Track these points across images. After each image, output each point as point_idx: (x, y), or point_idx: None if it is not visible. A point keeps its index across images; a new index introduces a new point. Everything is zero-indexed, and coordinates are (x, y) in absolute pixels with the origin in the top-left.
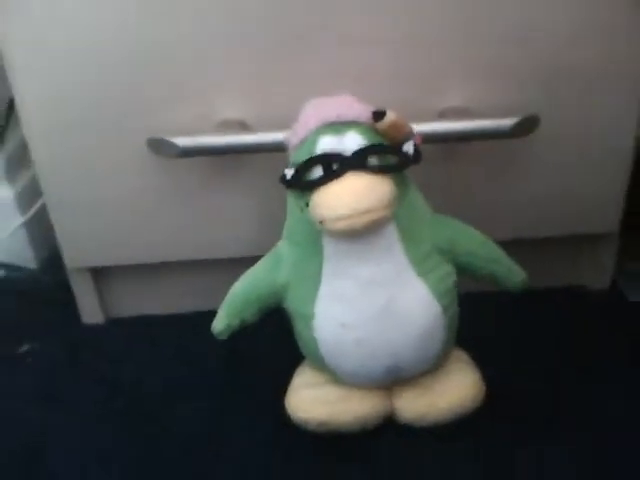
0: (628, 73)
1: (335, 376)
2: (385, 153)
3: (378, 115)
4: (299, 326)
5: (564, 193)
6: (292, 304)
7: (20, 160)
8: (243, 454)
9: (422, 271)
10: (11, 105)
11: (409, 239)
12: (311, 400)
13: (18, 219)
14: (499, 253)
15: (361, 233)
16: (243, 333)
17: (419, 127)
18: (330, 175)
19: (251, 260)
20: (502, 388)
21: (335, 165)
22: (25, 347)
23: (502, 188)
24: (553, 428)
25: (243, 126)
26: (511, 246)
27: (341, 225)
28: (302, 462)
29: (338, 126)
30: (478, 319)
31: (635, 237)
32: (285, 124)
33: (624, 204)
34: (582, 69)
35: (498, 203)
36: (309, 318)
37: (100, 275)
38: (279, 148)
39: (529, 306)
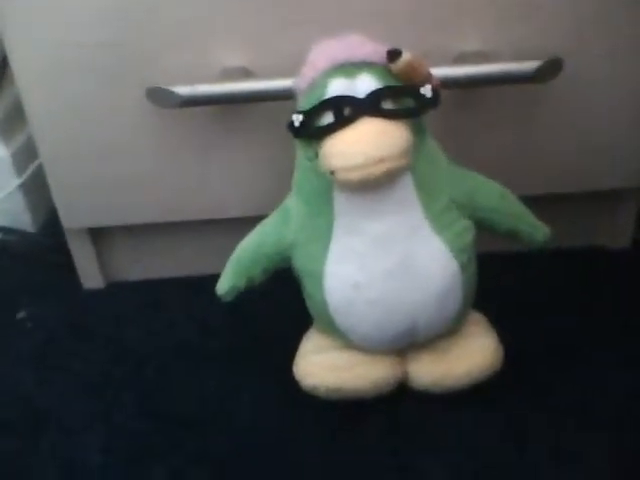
0: None
1: (346, 340)
2: (401, 96)
3: (393, 55)
4: (308, 286)
5: (586, 144)
6: (301, 263)
7: (15, 119)
8: (250, 419)
9: (439, 226)
10: (4, 62)
11: (426, 192)
12: (319, 366)
13: (14, 180)
14: (520, 207)
15: (375, 185)
16: (251, 296)
17: (435, 72)
18: (341, 121)
19: (257, 220)
20: (520, 352)
21: (347, 110)
22: (23, 313)
23: (521, 138)
24: (571, 393)
25: (246, 73)
26: (527, 204)
27: (354, 175)
28: (311, 427)
29: (349, 68)
30: (496, 281)
31: None
32: (291, 70)
33: None
34: (608, 9)
35: (517, 154)
36: (319, 278)
37: (99, 237)
38: (286, 96)
39: (549, 267)
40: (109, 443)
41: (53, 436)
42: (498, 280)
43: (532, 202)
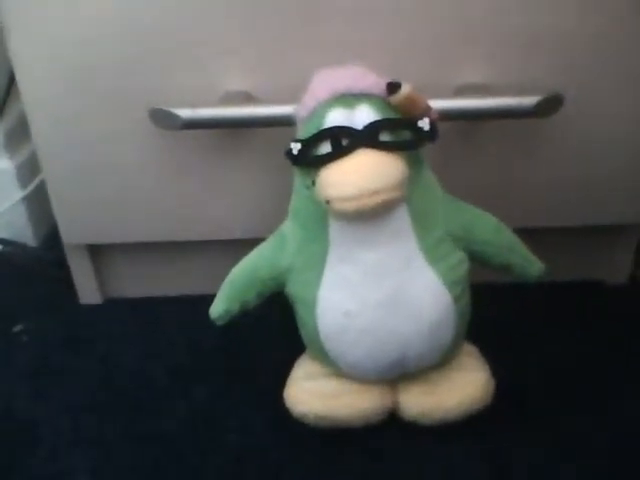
0: None
1: (336, 368)
2: (399, 128)
3: (393, 87)
4: (301, 312)
5: (586, 179)
6: (295, 289)
7: (21, 133)
8: (240, 442)
9: (433, 258)
10: (11, 78)
11: (421, 224)
12: (308, 393)
13: (18, 193)
14: (515, 241)
15: (370, 215)
16: (245, 320)
17: (435, 104)
18: (339, 151)
19: (256, 242)
20: (513, 384)
21: (345, 140)
22: (19, 326)
23: (520, 172)
24: (565, 426)
25: (248, 98)
26: (525, 237)
27: (349, 206)
28: (299, 454)
29: (349, 99)
30: (490, 313)
31: None
32: (293, 96)
33: None
34: (608, 44)
35: (516, 188)
36: (311, 304)
37: (98, 254)
38: (286, 122)
39: (544, 300)
40: (98, 462)
41: (43, 453)
42: (492, 311)
43: (531, 235)
